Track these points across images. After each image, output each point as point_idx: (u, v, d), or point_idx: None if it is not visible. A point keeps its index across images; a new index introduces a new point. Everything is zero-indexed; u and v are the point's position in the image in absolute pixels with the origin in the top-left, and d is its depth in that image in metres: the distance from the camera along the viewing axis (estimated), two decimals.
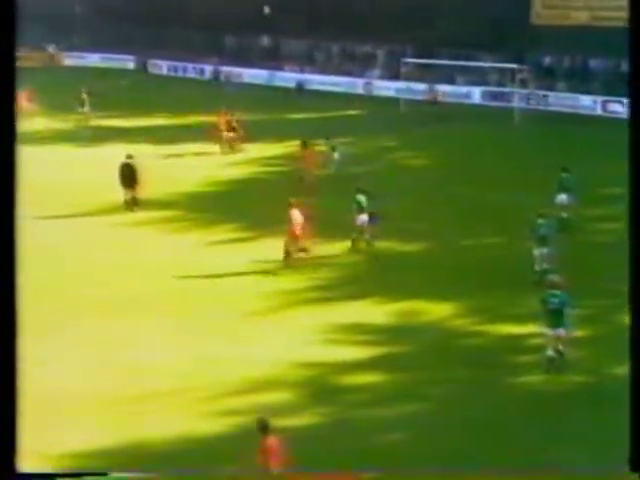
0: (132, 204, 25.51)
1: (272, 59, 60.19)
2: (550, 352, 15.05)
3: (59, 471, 10.95)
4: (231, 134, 33.65)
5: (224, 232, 23.58)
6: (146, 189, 25.54)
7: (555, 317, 15.02)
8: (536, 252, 19.32)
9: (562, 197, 22.95)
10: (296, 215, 20.73)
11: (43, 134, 37.04)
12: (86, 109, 40.13)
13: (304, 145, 28.94)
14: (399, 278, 20.01)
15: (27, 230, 23.70)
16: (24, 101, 40.83)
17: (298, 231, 20.56)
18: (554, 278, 15.70)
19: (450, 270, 20.50)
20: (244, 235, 23.38)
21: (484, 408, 14.03)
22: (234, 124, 33.88)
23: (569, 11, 48.60)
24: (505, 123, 40.57)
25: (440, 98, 45.04)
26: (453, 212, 25.72)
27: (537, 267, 19.26)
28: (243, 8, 60.58)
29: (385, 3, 54.24)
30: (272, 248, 21.19)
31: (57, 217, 24.76)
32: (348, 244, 21.93)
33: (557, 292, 15.14)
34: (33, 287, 18.74)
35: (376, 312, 17.84)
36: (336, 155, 30.43)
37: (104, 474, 6.75)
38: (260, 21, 59.96)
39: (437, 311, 17.96)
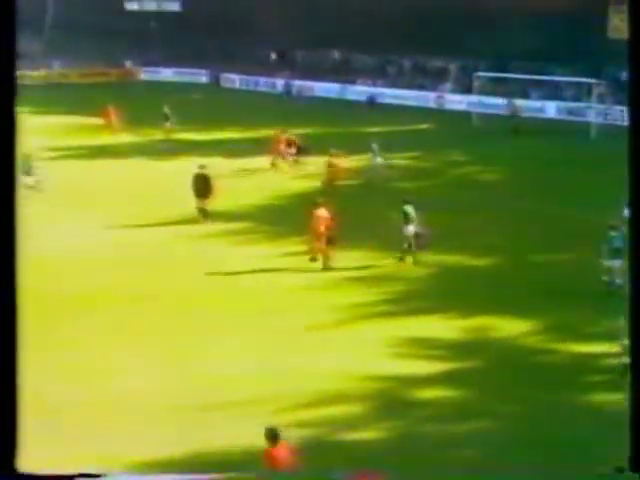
0: (204, 214, 25.95)
1: (344, 73, 60.63)
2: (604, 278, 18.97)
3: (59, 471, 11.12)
4: (290, 150, 33.78)
5: (293, 245, 23.79)
6: (218, 201, 25.99)
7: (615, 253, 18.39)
8: (608, 264, 19.51)
9: (616, 262, 21.82)
10: (321, 213, 21.61)
11: (126, 147, 38.07)
12: (169, 124, 41.46)
13: (333, 155, 29.85)
14: (468, 293, 19.92)
15: (104, 238, 24.31)
16: (111, 117, 42.07)
17: (322, 229, 21.23)
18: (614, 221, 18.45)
19: (521, 286, 20.33)
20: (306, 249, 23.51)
21: (556, 427, 13.87)
22: (293, 140, 34.05)
23: None
24: (581, 139, 40.05)
25: (519, 112, 44.50)
26: (523, 227, 25.51)
27: (606, 278, 19.54)
28: (314, 22, 61.20)
29: (458, 17, 54.12)
30: (340, 261, 21.33)
31: (138, 226, 25.51)
32: (416, 258, 21.97)
33: (615, 233, 18.47)
34: (107, 294, 19.41)
35: (445, 327, 17.80)
36: (378, 160, 30.59)
37: (104, 475, 6.99)
38: (332, 35, 60.44)
39: (508, 327, 17.83)
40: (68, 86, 62.75)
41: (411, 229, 21.79)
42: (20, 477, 6.61)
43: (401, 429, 13.92)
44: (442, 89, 54.78)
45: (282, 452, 10.35)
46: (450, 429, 13.80)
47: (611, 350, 15.82)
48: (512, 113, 44.12)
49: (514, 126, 41.35)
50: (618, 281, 19.63)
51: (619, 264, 19.20)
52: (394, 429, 13.94)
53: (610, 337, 15.98)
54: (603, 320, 17.38)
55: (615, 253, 19.33)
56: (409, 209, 21.98)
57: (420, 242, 21.79)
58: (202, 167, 26.48)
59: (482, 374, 15.81)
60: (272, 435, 10.49)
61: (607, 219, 21.59)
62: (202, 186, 25.78)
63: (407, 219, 21.85)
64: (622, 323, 15.06)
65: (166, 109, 42.01)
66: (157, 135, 41.13)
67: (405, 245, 21.87)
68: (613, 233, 19.55)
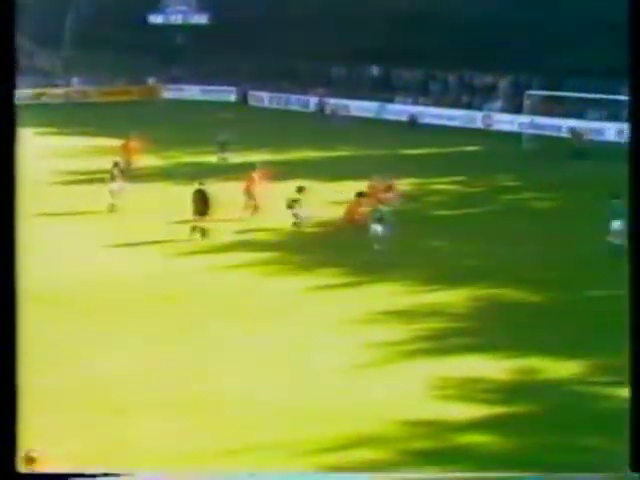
0: (202, 232, 26.98)
1: (382, 90, 60.92)
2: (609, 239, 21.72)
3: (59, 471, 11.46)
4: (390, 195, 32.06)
5: (324, 277, 23.87)
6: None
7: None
8: (614, 228, 24.14)
9: (616, 224, 25.03)
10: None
11: (149, 171, 37.90)
12: (226, 154, 40.53)
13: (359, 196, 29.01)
14: (519, 331, 19.83)
15: (120, 259, 24.37)
16: (135, 147, 38.90)
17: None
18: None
19: (578, 323, 20.19)
20: (345, 280, 23.65)
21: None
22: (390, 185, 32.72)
23: None
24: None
25: (586, 137, 43.92)
26: (582, 259, 25.36)
27: (612, 239, 24.02)
28: (351, 35, 61.49)
29: (509, 27, 53.93)
30: (375, 295, 21.54)
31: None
32: (464, 292, 21.96)
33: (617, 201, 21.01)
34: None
35: (494, 367, 17.72)
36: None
37: (104, 475, 7.37)
38: (369, 49, 60.68)
39: (562, 369, 17.70)
40: (87, 104, 63.78)
41: None
42: (20, 477, 6.91)
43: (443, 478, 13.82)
44: (490, 108, 54.86)
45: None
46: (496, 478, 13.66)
47: None
48: (574, 137, 43.63)
49: (575, 150, 41.15)
50: (618, 242, 23.03)
51: (619, 225, 23.61)
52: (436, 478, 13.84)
53: None
54: None
55: (617, 216, 23.64)
56: None
57: None
58: (201, 183, 27.69)
59: (533, 420, 15.68)
60: None
61: None
62: (201, 203, 27.01)
63: None
64: None
65: (223, 136, 40.71)
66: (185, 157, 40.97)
67: None
68: (615, 201, 23.85)
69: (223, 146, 40.75)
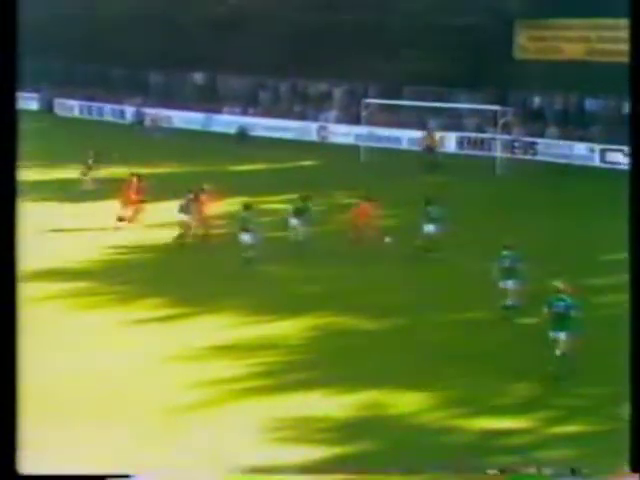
0: None
1: (208, 100, 60.75)
2: (558, 352, 18.83)
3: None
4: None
5: (145, 309, 23.49)
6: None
7: (560, 321, 18.79)
8: (502, 286, 22.58)
9: (429, 227, 27.71)
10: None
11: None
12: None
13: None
14: (360, 362, 20.02)
15: None
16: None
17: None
18: (561, 284, 19.08)
19: (422, 351, 20.58)
20: (169, 313, 23.33)
21: None
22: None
23: (561, 44, 49.95)
24: (484, 175, 41.24)
25: (438, 144, 45.39)
26: (426, 282, 25.93)
27: (502, 301, 22.56)
28: (171, 39, 60.94)
29: (342, 31, 54.89)
30: (203, 328, 21.40)
31: None
32: (302, 322, 22.07)
33: (564, 296, 18.82)
34: None
35: (334, 403, 17.80)
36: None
37: (103, 477, 8.12)
38: (192, 55, 60.29)
39: (406, 402, 17.96)
40: None
41: None
42: (20, 477, 7.13)
43: None
44: (326, 118, 55.62)
45: None
46: None
47: (523, 427, 16.23)
48: (428, 146, 44.80)
49: (427, 163, 42.29)
50: (511, 302, 22.53)
51: (512, 285, 22.41)
52: None
53: (522, 411, 16.41)
54: (514, 390, 17.84)
55: (507, 273, 22.45)
56: None
57: None
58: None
59: (375, 458, 15.79)
60: None
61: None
62: None
63: None
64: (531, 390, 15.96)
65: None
66: None
67: None
68: (505, 252, 22.59)
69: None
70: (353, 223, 29.71)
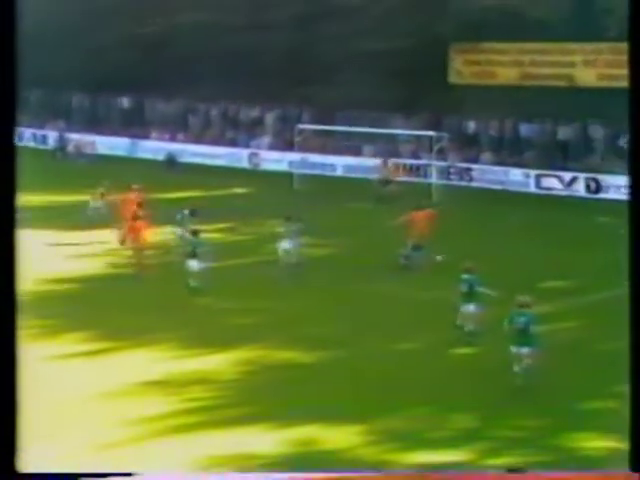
0: None
1: (135, 124, 60.52)
2: (516, 368, 19.31)
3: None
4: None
5: (70, 342, 23.32)
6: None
7: (521, 336, 19.22)
8: (461, 309, 22.61)
9: (470, 307, 24.11)
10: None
11: None
12: None
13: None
14: (296, 394, 20.07)
15: None
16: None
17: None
18: (522, 297, 19.56)
19: (354, 383, 20.72)
20: (95, 347, 23.21)
21: None
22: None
23: (495, 68, 50.85)
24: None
25: (399, 175, 45.31)
26: (363, 311, 26.10)
27: (460, 323, 22.77)
28: (97, 59, 60.35)
29: (275, 55, 55.01)
30: (130, 363, 21.31)
31: None
32: (236, 355, 22.15)
33: (524, 311, 19.27)
34: None
35: (269, 439, 17.82)
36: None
37: (105, 475, 8.28)
38: (117, 77, 59.71)
39: (340, 437, 18.05)
40: None
41: None
42: (20, 477, 7.18)
43: None
44: (258, 145, 55.76)
45: None
46: None
47: (460, 460, 16.44)
48: (386, 178, 44.60)
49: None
50: (470, 327, 22.52)
51: (472, 309, 22.43)
52: None
53: (459, 444, 16.67)
54: (453, 422, 18.09)
55: (467, 297, 22.48)
56: None
57: None
58: None
59: None
60: None
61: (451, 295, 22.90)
62: None
63: None
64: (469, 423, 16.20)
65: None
66: None
67: None
68: (466, 276, 22.58)
69: None
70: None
